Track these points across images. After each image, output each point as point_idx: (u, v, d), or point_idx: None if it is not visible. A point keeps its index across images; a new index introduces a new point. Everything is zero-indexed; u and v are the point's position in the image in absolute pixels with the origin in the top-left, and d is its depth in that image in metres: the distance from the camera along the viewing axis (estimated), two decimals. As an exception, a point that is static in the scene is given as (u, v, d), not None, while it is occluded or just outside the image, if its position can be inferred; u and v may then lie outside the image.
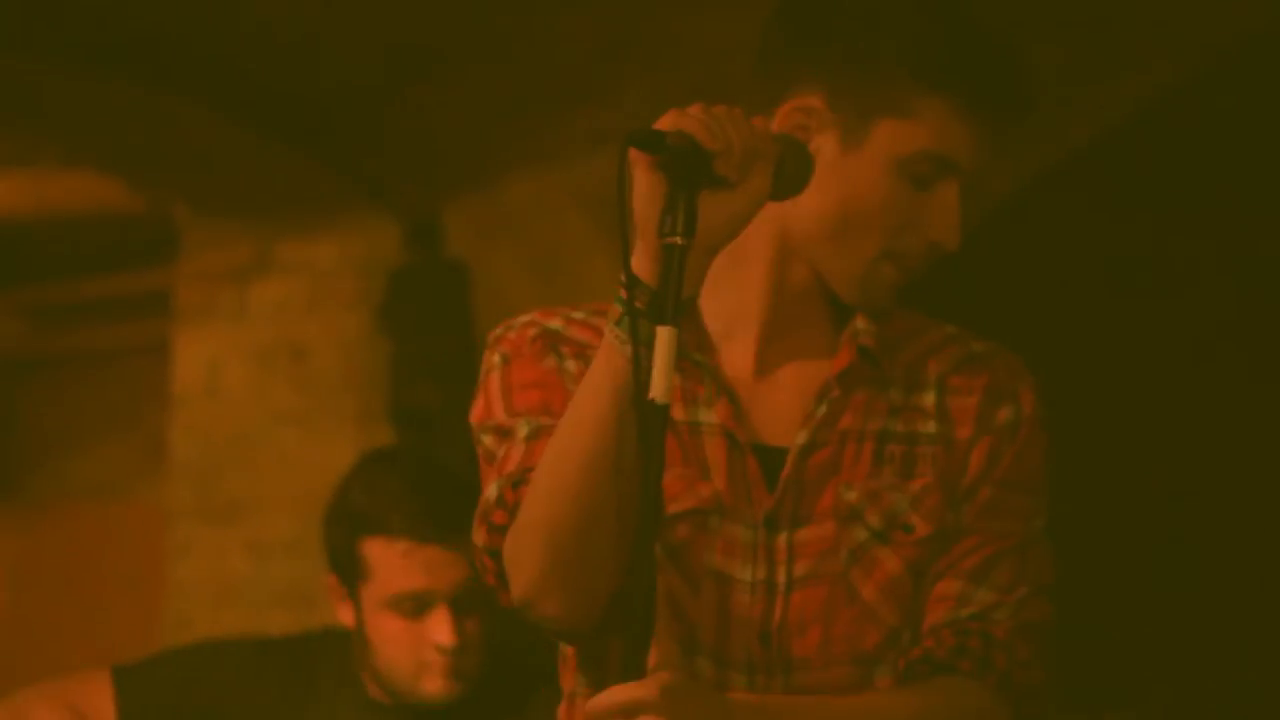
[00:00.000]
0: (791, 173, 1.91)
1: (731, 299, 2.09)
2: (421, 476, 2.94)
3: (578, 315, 2.12)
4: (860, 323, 2.08)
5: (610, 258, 4.63)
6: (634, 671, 1.83)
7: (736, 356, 2.09)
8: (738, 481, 2.04)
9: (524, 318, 2.12)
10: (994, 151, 2.07)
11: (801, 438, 2.04)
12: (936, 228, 2.05)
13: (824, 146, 2.03)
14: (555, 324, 2.11)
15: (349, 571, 2.92)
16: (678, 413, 2.06)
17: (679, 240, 1.83)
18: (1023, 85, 2.05)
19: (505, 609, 2.87)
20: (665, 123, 1.85)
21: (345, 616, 2.95)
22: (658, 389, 1.82)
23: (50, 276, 6.72)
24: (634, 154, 1.85)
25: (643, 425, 1.83)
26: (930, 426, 2.06)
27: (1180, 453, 5.09)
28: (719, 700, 1.91)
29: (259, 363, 5.51)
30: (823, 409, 2.05)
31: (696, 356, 2.08)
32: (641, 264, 1.86)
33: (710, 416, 2.06)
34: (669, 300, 1.83)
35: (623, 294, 1.86)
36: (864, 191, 2.03)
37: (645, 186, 1.86)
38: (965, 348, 2.12)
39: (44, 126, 5.28)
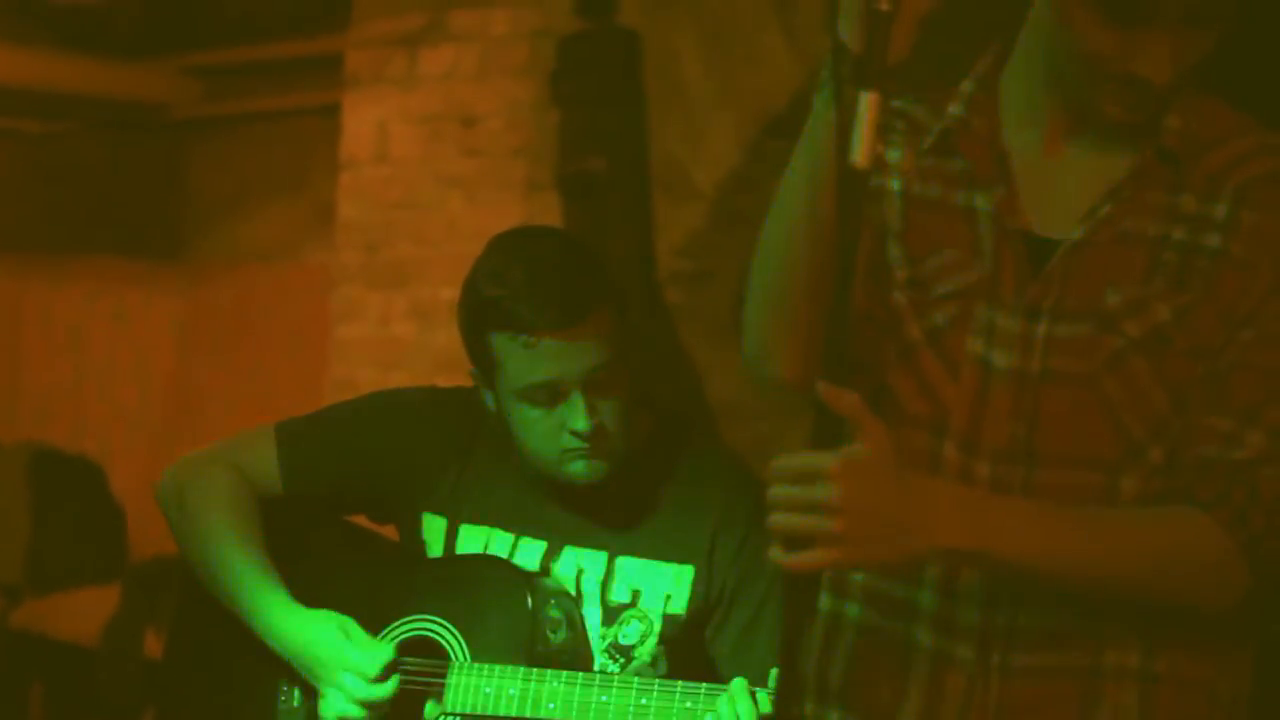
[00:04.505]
0: None
1: (1028, 86, 2.08)
2: (548, 262, 2.86)
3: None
4: (1170, 120, 2.04)
5: (784, 32, 4.60)
6: (824, 441, 1.85)
7: (1032, 141, 2.08)
8: (1005, 268, 2.04)
9: None
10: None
11: (1077, 233, 2.03)
12: (1140, 62, 1.97)
13: None
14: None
15: (482, 363, 2.92)
16: (958, 197, 2.08)
17: (885, 6, 1.83)
18: None
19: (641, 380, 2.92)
20: None
21: (489, 403, 2.98)
22: (859, 153, 1.83)
23: (224, 40, 6.76)
24: None
25: (840, 190, 1.84)
26: (1214, 240, 2.01)
27: None
28: (906, 482, 1.89)
29: (428, 128, 5.53)
30: (1107, 208, 2.03)
31: (985, 139, 2.08)
32: (847, 30, 1.87)
33: (987, 201, 2.06)
34: (874, 66, 1.83)
35: (829, 60, 1.87)
36: (1060, 14, 1.99)
37: None
38: (1275, 160, 2.04)
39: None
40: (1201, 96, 2.09)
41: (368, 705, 2.88)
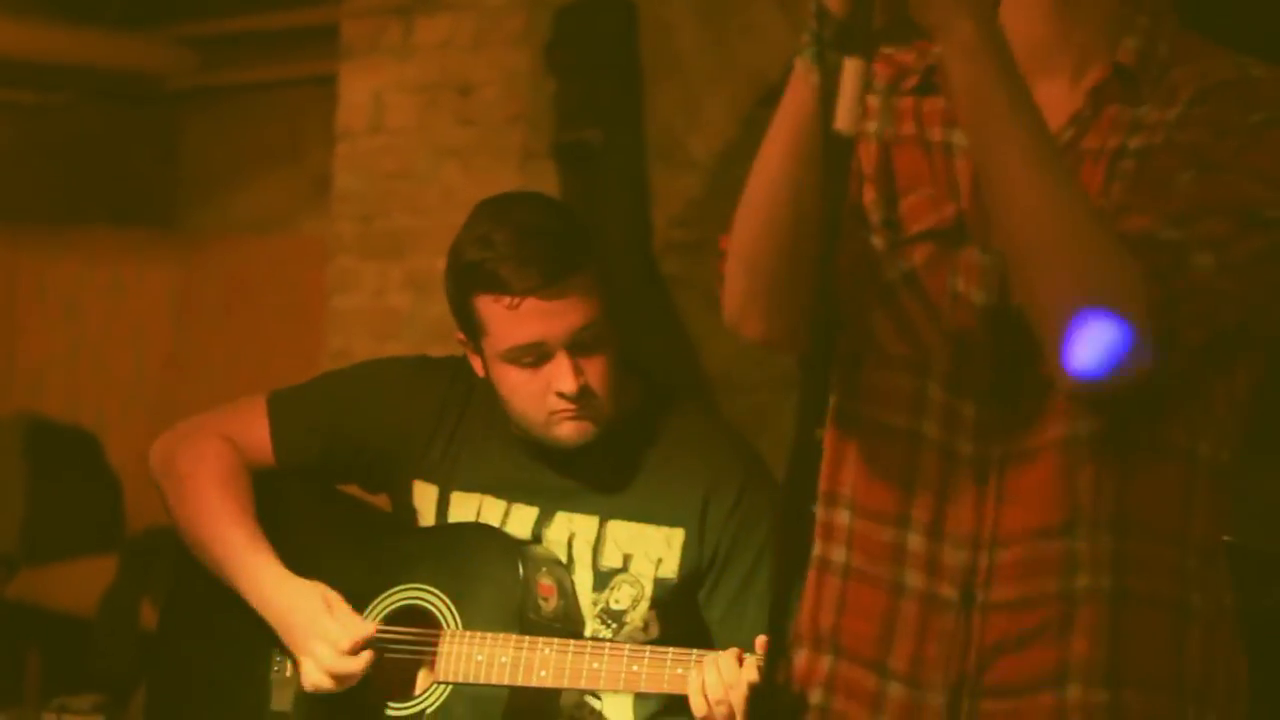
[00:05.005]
0: None
1: (1009, 26, 2.03)
2: (530, 225, 2.88)
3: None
4: (1128, 40, 2.06)
5: (779, 3, 4.59)
6: (811, 410, 1.83)
7: None
8: (980, 204, 2.04)
9: None
10: None
11: None
12: None
13: None
14: None
15: (468, 327, 2.94)
16: (935, 133, 2.10)
17: None
18: None
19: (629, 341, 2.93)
20: None
21: (476, 368, 2.98)
22: (843, 119, 1.82)
23: (219, 10, 6.75)
24: None
25: (825, 155, 1.82)
26: (1163, 135, 2.02)
27: None
28: None
29: (424, 98, 5.52)
30: (1070, 132, 2.05)
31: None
32: None
33: (963, 138, 2.06)
34: (858, 31, 1.83)
35: (812, 24, 1.87)
36: None
37: None
38: (1241, 71, 2.06)
39: None
40: (1182, 30, 2.11)
41: (336, 676, 2.89)
